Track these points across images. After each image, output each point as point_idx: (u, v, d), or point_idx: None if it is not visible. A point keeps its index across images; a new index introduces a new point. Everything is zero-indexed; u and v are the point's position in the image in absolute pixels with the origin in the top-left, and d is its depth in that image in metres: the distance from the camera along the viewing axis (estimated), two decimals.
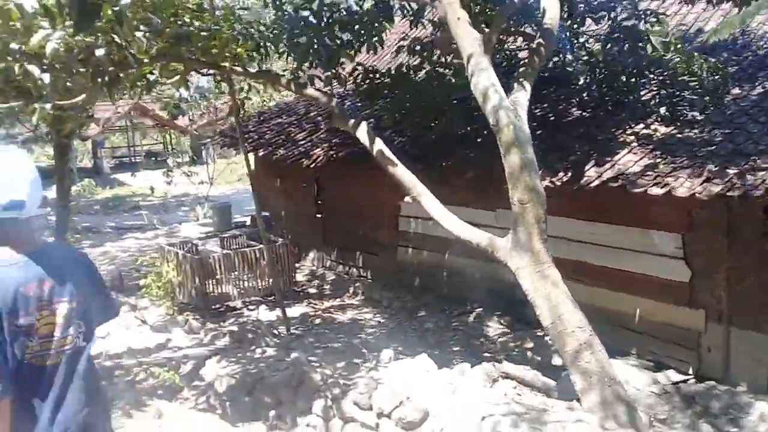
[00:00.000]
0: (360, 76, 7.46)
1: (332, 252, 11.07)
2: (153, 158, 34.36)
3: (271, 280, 9.54)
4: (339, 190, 10.72)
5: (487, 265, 8.53)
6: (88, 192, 25.55)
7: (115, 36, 4.83)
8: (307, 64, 6.75)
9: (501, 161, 5.06)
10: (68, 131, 10.66)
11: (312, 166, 9.80)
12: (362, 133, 5.58)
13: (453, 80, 7.46)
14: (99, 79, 5.06)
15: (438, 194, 5.96)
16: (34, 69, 4.99)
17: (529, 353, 7.37)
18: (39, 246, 2.11)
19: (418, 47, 7.22)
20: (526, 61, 5.65)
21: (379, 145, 5.52)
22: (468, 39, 5.11)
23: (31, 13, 4.35)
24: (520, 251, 5.15)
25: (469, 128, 7.69)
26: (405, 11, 7.32)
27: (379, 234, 10.09)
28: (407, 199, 5.54)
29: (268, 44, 6.24)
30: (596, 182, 6.17)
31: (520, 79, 5.38)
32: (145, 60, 5.38)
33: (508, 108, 4.98)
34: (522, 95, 5.25)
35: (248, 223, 12.08)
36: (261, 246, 9.47)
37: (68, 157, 11.08)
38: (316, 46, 6.47)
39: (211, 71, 6.90)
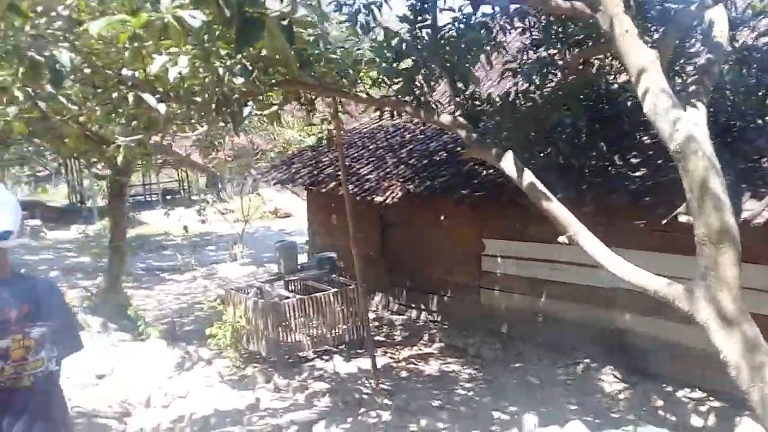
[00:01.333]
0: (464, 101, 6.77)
1: (399, 295, 10.25)
2: (169, 196, 33.82)
3: (343, 327, 8.75)
4: (408, 226, 9.97)
5: (593, 309, 7.77)
6: (109, 232, 24.81)
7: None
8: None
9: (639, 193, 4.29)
10: (125, 170, 10.01)
11: (387, 202, 9.06)
12: (508, 164, 4.85)
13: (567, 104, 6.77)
14: (225, 109, 4.35)
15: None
16: (149, 98, 4.31)
17: (660, 412, 6.52)
18: (13, 274, 2.18)
19: (536, 69, 6.55)
20: (695, 79, 4.95)
21: (528, 177, 4.79)
22: (640, 54, 4.41)
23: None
24: (710, 301, 4.34)
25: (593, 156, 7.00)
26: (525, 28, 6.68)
27: (457, 275, 9.30)
28: (561, 239, 4.74)
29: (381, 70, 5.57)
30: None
31: (692, 101, 4.66)
32: (270, 86, 4.70)
33: (695, 134, 4.24)
34: (700, 117, 4.53)
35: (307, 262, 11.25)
36: (334, 290, 8.70)
37: (125, 196, 10.38)
38: (424, 69, 5.81)
39: (330, 96, 6.21)
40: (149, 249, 21.54)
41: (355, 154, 10.99)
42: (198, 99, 4.51)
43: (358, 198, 9.57)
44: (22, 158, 23.37)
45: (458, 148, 9.83)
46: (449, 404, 6.69)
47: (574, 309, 7.97)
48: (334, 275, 9.36)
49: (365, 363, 8.37)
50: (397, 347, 9.04)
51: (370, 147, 11.14)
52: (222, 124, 5.17)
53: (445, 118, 5.29)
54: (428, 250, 9.67)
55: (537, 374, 7.63)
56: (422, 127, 11.16)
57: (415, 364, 8.29)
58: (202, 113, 4.52)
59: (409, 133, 11.21)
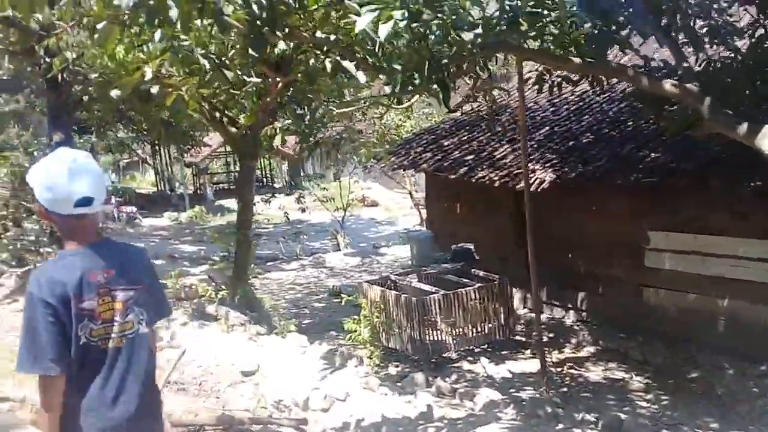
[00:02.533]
0: None
1: (540, 291, 9.42)
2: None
3: (488, 326, 8.07)
4: (550, 217, 9.14)
5: None
6: (200, 219, 24.98)
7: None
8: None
9: None
10: (253, 154, 9.59)
11: (534, 189, 8.26)
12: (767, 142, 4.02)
13: None
14: (435, 76, 3.69)
15: None
16: (349, 65, 3.71)
17: None
18: (100, 239, 2.25)
19: None
20: None
21: None
22: None
23: None
24: None
25: None
26: None
27: (613, 270, 8.42)
28: None
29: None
30: None
31: None
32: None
33: None
34: None
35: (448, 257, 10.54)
36: (478, 285, 8.01)
37: (252, 183, 10.02)
38: None
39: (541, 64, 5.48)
40: None
41: (486, 137, 10.22)
42: (398, 66, 3.86)
43: (495, 184, 8.84)
44: (121, 144, 23.87)
45: (605, 129, 8.95)
46: (642, 419, 5.90)
47: (763, 311, 7.00)
48: (472, 269, 8.66)
49: (516, 366, 7.69)
50: (545, 349, 8.26)
51: (499, 130, 10.34)
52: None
53: (670, 87, 4.47)
54: (576, 243, 8.82)
55: (725, 385, 6.73)
56: (553, 108, 10.30)
57: (576, 369, 7.52)
58: (404, 82, 3.86)
59: (540, 114, 10.35)
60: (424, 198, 11.87)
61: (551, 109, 10.23)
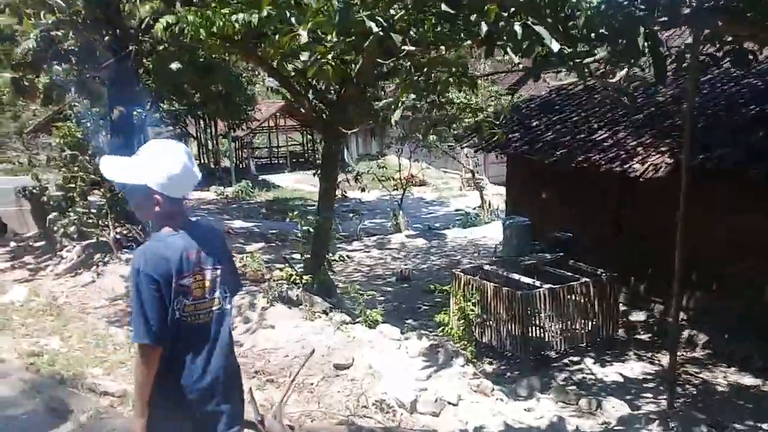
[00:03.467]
0: None
1: (639, 285, 8.75)
2: (295, 160, 33.52)
3: (592, 323, 7.45)
4: (655, 203, 8.40)
5: None
6: (246, 194, 24.62)
7: None
8: None
9: None
10: (340, 132, 9.00)
11: (648, 176, 7.55)
12: None
13: None
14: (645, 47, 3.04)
15: None
16: (542, 31, 3.07)
17: None
18: (188, 221, 2.40)
19: None
20: None
21: None
22: None
23: None
24: None
25: None
26: None
27: (733, 267, 7.66)
28: None
29: None
30: None
31: None
32: None
33: None
34: None
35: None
36: (585, 279, 7.38)
37: (338, 161, 9.47)
38: None
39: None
40: (294, 213, 20.97)
41: (581, 117, 9.49)
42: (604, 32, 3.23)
43: (601, 170, 8.13)
44: (175, 117, 23.52)
45: (721, 113, 8.16)
46: None
47: None
48: (571, 260, 8.02)
49: (624, 369, 7.07)
50: (651, 351, 7.63)
51: (596, 109, 9.60)
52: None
53: None
54: (693, 235, 8.07)
55: None
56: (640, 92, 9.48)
57: (692, 375, 6.87)
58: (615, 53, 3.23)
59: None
60: (505, 181, 11.18)
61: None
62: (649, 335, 8.11)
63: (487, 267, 8.00)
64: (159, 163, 2.27)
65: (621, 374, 6.82)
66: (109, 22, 12.22)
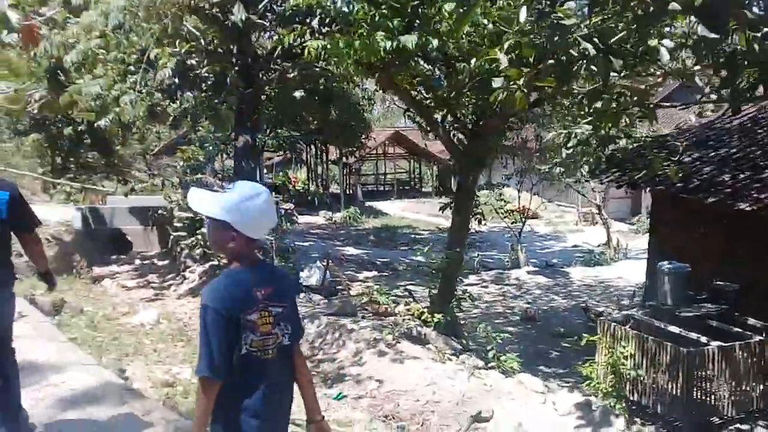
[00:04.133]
0: None
1: None
2: (401, 187, 33.38)
3: (765, 386, 6.44)
4: None
5: None
6: (354, 220, 24.57)
7: None
8: None
9: None
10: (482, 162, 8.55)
11: None
12: None
13: None
14: None
15: None
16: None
17: None
18: (258, 261, 2.50)
19: None
20: None
21: None
22: None
23: None
24: None
25: None
26: None
27: None
28: None
29: None
30: None
31: None
32: None
33: None
34: None
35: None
36: (760, 337, 6.41)
37: (474, 193, 9.03)
38: None
39: None
40: (402, 242, 20.65)
41: (744, 153, 8.50)
42: None
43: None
44: (292, 143, 23.96)
45: None
46: None
47: None
48: (736, 313, 7.05)
49: None
50: None
51: (760, 143, 8.58)
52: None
53: None
54: None
55: None
56: None
57: None
58: None
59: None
60: (649, 221, 10.24)
61: None
62: None
63: (637, 316, 7.17)
64: (244, 203, 2.36)
65: None
66: (240, 51, 12.51)
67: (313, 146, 27.65)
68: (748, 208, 7.48)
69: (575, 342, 9.65)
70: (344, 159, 26.73)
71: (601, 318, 7.19)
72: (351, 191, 31.08)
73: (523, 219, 16.52)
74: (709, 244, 8.81)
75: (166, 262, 12.11)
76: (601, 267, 14.62)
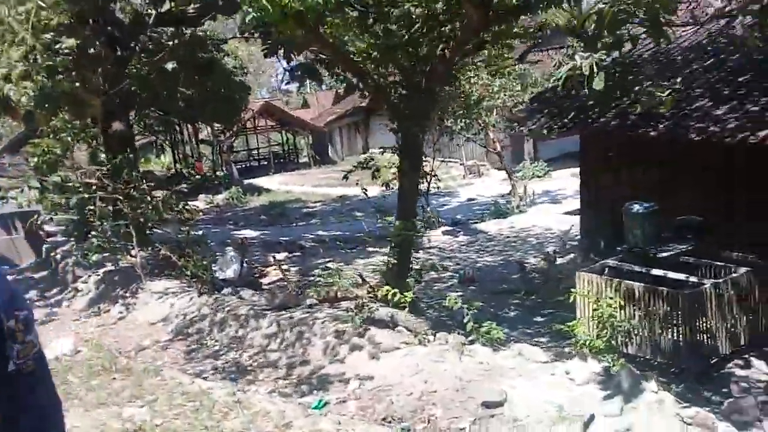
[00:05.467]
0: None
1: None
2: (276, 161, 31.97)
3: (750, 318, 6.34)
4: None
5: None
6: (238, 201, 23.01)
7: None
8: None
9: None
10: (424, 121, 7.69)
11: None
12: None
13: None
14: None
15: None
16: None
17: None
18: None
19: None
20: None
21: None
22: None
23: None
24: None
25: None
26: None
27: None
28: None
29: None
30: None
31: None
32: None
33: None
34: None
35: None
36: (745, 269, 6.26)
37: (420, 159, 8.14)
38: None
39: None
40: (296, 217, 19.51)
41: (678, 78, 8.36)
42: None
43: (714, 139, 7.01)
44: (166, 123, 21.69)
45: None
46: None
47: None
48: (705, 246, 6.91)
49: None
50: None
51: (695, 67, 8.51)
52: None
53: None
54: None
55: None
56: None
57: None
58: None
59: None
60: (580, 165, 10.02)
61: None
62: None
63: (611, 263, 6.81)
64: None
65: None
66: (104, 18, 10.78)
67: (181, 126, 25.41)
68: (697, 138, 7.36)
69: (522, 298, 9.36)
70: (222, 137, 24.88)
71: (579, 272, 6.74)
72: (225, 170, 29.21)
73: (429, 179, 15.95)
74: (650, 179, 8.70)
75: (44, 273, 10.28)
76: (513, 217, 14.49)
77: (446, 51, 6.89)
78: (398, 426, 5.11)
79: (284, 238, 15.56)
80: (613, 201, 9.40)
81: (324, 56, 7.67)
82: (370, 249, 13.31)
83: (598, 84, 3.94)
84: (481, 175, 24.19)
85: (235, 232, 16.14)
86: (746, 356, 6.18)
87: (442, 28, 7.21)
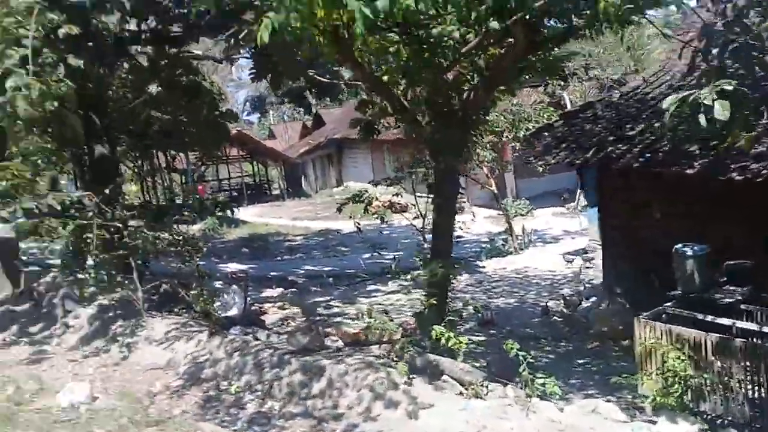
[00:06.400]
0: None
1: None
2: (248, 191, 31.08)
3: None
4: None
5: None
6: (215, 232, 22.00)
7: None
8: None
9: None
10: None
11: None
12: None
13: None
14: None
15: None
16: None
17: None
18: None
19: None
20: None
21: None
22: None
23: None
24: None
25: None
26: None
27: None
28: None
29: None
30: None
31: None
32: None
33: None
34: None
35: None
36: None
37: (457, 193, 7.66)
38: None
39: None
40: (280, 251, 18.71)
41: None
42: None
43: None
44: (146, 148, 20.65)
45: None
46: None
47: None
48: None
49: None
50: None
51: None
52: None
53: None
54: None
55: None
56: None
57: None
58: None
59: None
60: (599, 202, 9.70)
61: None
62: None
63: (671, 310, 6.38)
64: None
65: None
66: (88, 34, 10.03)
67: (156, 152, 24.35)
68: (739, 178, 7.03)
69: (552, 344, 8.85)
70: (202, 165, 24.02)
71: (638, 318, 6.27)
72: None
73: (424, 215, 15.47)
74: (682, 220, 8.38)
75: (26, 306, 9.34)
76: (511, 256, 14.10)
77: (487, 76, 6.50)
78: None
79: (273, 273, 14.85)
80: (639, 241, 9.12)
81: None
82: (371, 287, 12.75)
83: (722, 113, 3.55)
84: (462, 212, 23.84)
85: (221, 265, 15.34)
86: None
87: (484, 53, 6.84)
